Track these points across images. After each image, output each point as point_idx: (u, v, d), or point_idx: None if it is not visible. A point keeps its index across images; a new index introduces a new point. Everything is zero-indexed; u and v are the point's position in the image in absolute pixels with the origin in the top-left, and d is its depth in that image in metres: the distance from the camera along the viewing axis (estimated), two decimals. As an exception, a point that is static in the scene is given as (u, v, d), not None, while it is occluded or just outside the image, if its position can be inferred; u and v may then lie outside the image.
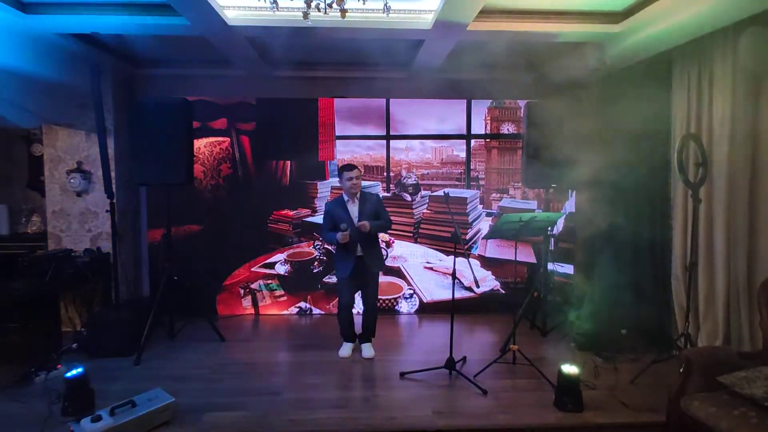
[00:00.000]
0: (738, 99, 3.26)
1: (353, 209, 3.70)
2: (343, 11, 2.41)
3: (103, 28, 3.54)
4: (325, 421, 2.85)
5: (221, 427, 2.77)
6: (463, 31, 3.52)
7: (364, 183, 4.93)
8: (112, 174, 4.24)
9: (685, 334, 3.43)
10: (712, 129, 3.45)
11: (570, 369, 2.95)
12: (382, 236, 4.98)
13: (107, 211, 4.00)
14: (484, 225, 5.05)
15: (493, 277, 5.03)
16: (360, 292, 3.88)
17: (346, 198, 3.72)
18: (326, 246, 4.95)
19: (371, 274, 3.76)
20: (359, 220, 3.63)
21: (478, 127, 5.03)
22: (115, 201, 3.99)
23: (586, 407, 2.94)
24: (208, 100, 4.85)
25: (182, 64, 4.64)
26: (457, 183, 5.07)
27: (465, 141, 5.04)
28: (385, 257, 4.96)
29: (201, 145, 4.85)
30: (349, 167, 3.67)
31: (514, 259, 3.99)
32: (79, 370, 2.89)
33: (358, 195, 3.72)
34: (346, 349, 3.86)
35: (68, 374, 2.86)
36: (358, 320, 3.95)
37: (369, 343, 3.90)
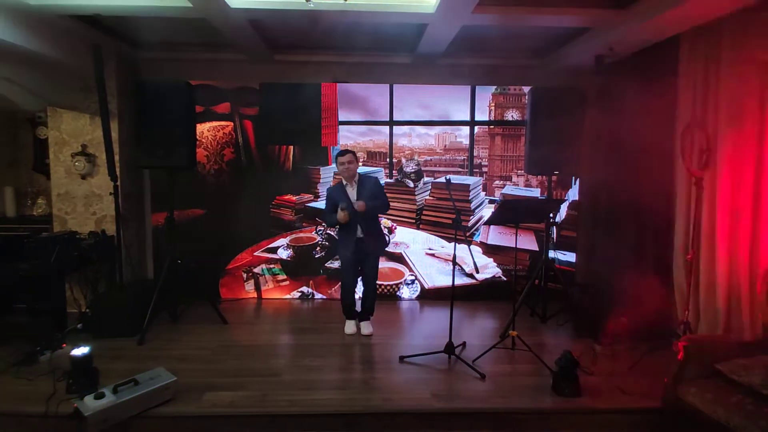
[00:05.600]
0: (744, 85, 3.21)
1: (352, 192, 3.83)
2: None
3: (104, 9, 3.53)
4: (324, 401, 2.89)
5: (221, 405, 2.81)
6: (467, 16, 3.48)
7: (367, 168, 4.95)
8: (116, 157, 4.26)
9: (684, 322, 3.44)
10: (717, 115, 3.41)
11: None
12: (384, 222, 5.00)
13: (111, 194, 4.03)
14: (487, 212, 5.05)
15: (495, 264, 5.03)
16: (360, 273, 4.02)
17: (345, 182, 3.86)
18: (329, 231, 4.97)
19: (371, 256, 3.92)
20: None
21: (482, 113, 5.01)
22: (118, 184, 4.02)
23: (584, 393, 2.95)
24: (212, 84, 4.85)
25: (186, 48, 4.62)
26: (460, 170, 5.06)
27: (469, 127, 5.02)
28: (387, 242, 5.00)
29: (204, 129, 4.86)
30: (342, 153, 3.83)
31: (515, 246, 3.98)
32: (85, 350, 2.92)
33: (355, 179, 3.86)
34: (351, 326, 4.05)
35: (74, 352, 2.90)
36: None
37: (368, 321, 4.07)
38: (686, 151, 3.57)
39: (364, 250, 3.86)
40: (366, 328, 4.04)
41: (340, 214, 3.68)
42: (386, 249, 5.02)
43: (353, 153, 3.85)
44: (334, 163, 4.94)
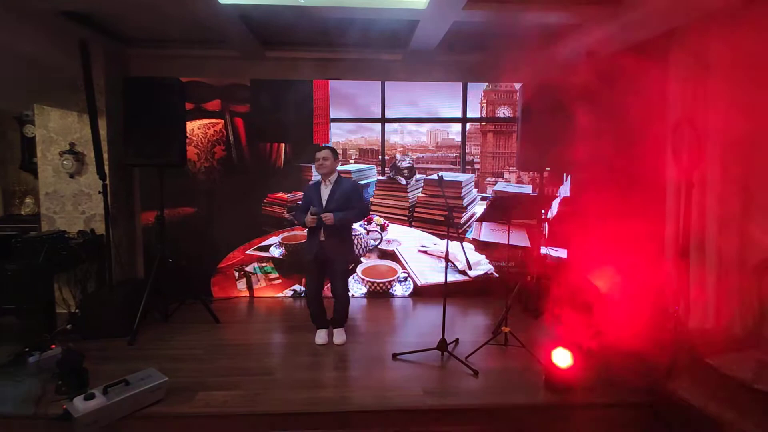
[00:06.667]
0: (735, 82, 3.23)
1: (324, 192, 3.64)
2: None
3: (90, 4, 3.48)
4: (317, 399, 2.87)
5: (214, 405, 2.79)
6: (458, 12, 3.47)
7: (359, 166, 4.94)
8: (105, 155, 4.22)
9: (675, 317, 3.45)
10: (707, 111, 3.43)
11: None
12: (377, 219, 4.99)
13: (100, 192, 3.98)
14: (479, 209, 5.05)
15: (487, 260, 5.04)
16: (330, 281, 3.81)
17: (321, 180, 3.69)
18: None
19: (335, 263, 3.65)
20: (327, 204, 3.58)
21: (474, 110, 5.01)
22: (107, 182, 3.97)
23: (576, 388, 2.96)
24: (202, 81, 4.80)
25: (176, 44, 4.57)
26: (452, 167, 5.05)
27: (461, 124, 5.02)
28: (379, 241, 4.99)
29: (194, 126, 4.82)
30: (318, 148, 3.63)
31: (507, 242, 3.98)
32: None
33: (331, 178, 3.65)
34: (322, 336, 3.75)
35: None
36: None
37: (340, 329, 3.81)
38: (677, 147, 3.59)
39: (326, 255, 3.60)
40: (338, 337, 3.75)
41: (308, 218, 3.48)
42: (379, 246, 5.02)
43: (332, 149, 3.63)
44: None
